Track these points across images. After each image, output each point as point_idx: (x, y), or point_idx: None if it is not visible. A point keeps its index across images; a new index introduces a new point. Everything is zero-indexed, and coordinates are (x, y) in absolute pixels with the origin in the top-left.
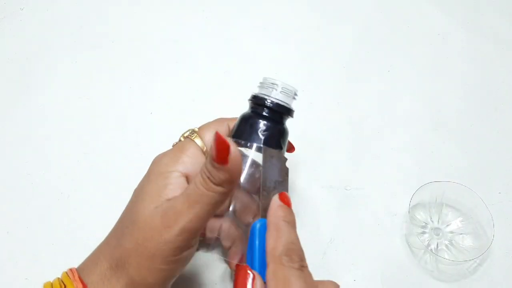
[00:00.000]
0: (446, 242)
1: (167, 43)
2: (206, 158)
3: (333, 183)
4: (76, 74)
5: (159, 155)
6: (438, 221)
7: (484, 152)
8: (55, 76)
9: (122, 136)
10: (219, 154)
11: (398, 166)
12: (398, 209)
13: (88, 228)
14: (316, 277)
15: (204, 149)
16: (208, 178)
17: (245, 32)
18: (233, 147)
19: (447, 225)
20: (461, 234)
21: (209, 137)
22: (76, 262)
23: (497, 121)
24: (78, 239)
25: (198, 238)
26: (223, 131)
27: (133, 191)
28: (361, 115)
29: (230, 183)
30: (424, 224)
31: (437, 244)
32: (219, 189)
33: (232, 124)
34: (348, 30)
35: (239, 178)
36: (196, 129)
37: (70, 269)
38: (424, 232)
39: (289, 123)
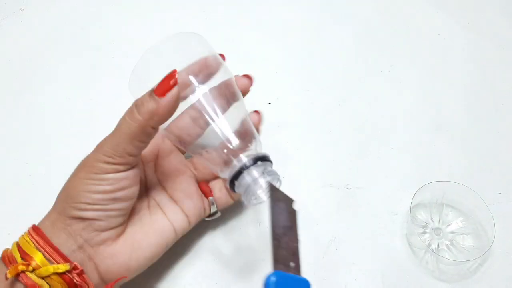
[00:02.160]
0: (447, 242)
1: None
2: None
3: (333, 182)
4: (76, 75)
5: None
6: (439, 221)
7: (484, 152)
8: (56, 76)
9: None
10: (162, 85)
11: (399, 166)
12: (399, 209)
13: None
14: (316, 276)
15: None
16: (136, 106)
17: (245, 33)
18: (176, 88)
19: (448, 225)
20: (462, 234)
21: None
22: None
23: (497, 121)
24: None
25: (134, 169)
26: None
27: None
28: (362, 115)
29: (152, 117)
30: (425, 224)
31: (438, 244)
32: (139, 119)
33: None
34: (348, 30)
35: (165, 118)
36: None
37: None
38: (425, 232)
39: (289, 123)
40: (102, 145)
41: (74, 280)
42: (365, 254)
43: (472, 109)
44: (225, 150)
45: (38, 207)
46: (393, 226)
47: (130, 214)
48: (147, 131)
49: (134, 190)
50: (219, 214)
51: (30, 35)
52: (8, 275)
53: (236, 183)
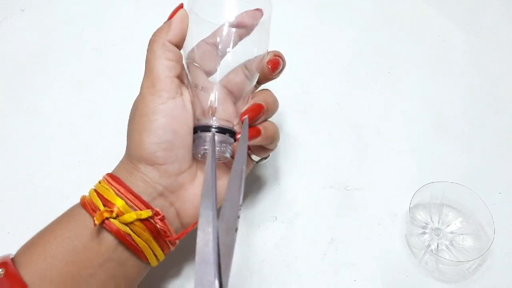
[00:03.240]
0: (447, 243)
1: None
2: None
3: (333, 183)
4: (77, 76)
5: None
6: (439, 222)
7: (484, 153)
8: (56, 77)
9: (123, 137)
10: (172, 12)
11: (399, 167)
12: (399, 210)
13: None
14: (316, 277)
15: None
16: (154, 33)
17: None
18: (183, 10)
19: (448, 226)
20: (462, 234)
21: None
22: None
23: (497, 122)
24: None
25: (177, 97)
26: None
27: None
28: (362, 116)
29: (166, 32)
30: (424, 224)
31: (438, 245)
32: (156, 37)
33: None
34: (348, 31)
35: (178, 33)
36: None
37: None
38: (424, 233)
39: (289, 123)
40: (141, 85)
41: (157, 226)
42: (364, 255)
43: (471, 109)
44: (210, 101)
45: (38, 206)
46: (393, 227)
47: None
48: (167, 47)
49: (189, 120)
50: (267, 159)
51: (30, 35)
52: (96, 222)
53: (198, 134)
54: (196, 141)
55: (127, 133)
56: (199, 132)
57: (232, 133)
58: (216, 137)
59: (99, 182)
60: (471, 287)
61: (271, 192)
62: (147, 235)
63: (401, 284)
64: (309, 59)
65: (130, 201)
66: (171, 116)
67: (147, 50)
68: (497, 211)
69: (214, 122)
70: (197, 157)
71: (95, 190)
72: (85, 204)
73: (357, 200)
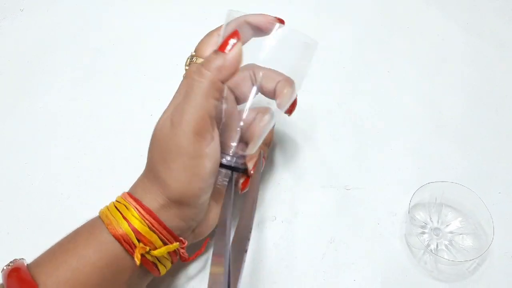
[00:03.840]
0: (446, 242)
1: (168, 46)
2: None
3: (333, 183)
4: (76, 76)
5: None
6: (438, 221)
7: (484, 153)
8: (55, 77)
9: (122, 138)
10: (225, 42)
11: (398, 166)
12: (398, 209)
13: None
14: (316, 277)
15: None
16: (203, 65)
17: None
18: (239, 44)
19: (447, 225)
20: (461, 234)
21: (209, 51)
22: None
23: (497, 122)
24: None
25: (215, 134)
26: (216, 41)
27: None
28: (361, 116)
29: (220, 70)
30: (424, 224)
31: (437, 244)
32: (208, 74)
33: (220, 32)
34: (348, 31)
35: (233, 72)
36: (193, 53)
37: (123, 192)
38: (423, 232)
39: (289, 123)
40: (180, 119)
41: (180, 252)
42: (364, 254)
43: (471, 109)
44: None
45: (38, 207)
46: (392, 227)
47: None
48: (218, 86)
49: (218, 160)
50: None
51: (30, 35)
52: (137, 261)
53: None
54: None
55: (162, 167)
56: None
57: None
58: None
59: (126, 207)
60: (470, 287)
61: (270, 192)
62: (168, 262)
63: (401, 283)
64: None
65: (164, 236)
66: (215, 159)
67: (190, 78)
68: (497, 211)
69: (233, 162)
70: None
71: (126, 219)
72: (119, 238)
73: (357, 199)
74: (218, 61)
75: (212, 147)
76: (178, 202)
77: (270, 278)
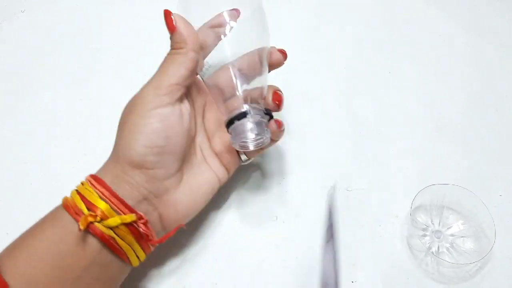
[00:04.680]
0: (447, 245)
1: (168, 47)
2: None
3: (334, 184)
4: (76, 76)
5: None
6: (439, 224)
7: (485, 154)
8: (56, 78)
9: None
10: (167, 24)
11: (399, 168)
12: (399, 211)
13: None
14: (317, 277)
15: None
16: (170, 47)
17: None
18: (175, 16)
19: (448, 228)
20: (462, 237)
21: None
22: None
23: (498, 123)
24: None
25: (177, 104)
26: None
27: None
28: (362, 117)
29: (185, 43)
30: (425, 226)
31: (438, 247)
32: (180, 50)
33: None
34: (349, 31)
35: (192, 38)
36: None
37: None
38: (425, 235)
39: (290, 124)
40: (146, 85)
41: (140, 229)
42: (365, 256)
43: (472, 110)
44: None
45: (37, 207)
46: (393, 229)
47: (183, 162)
48: (189, 56)
49: (184, 129)
50: (252, 159)
51: (31, 36)
52: (81, 227)
53: (234, 124)
54: (233, 133)
55: (118, 131)
56: (235, 122)
57: (265, 113)
58: (251, 121)
59: (82, 184)
60: None
61: (271, 192)
62: (130, 238)
63: (401, 286)
64: (310, 59)
65: (114, 204)
66: (167, 122)
67: (169, 55)
68: (498, 213)
69: (246, 107)
70: (236, 147)
71: (78, 192)
72: (68, 207)
73: (358, 201)
74: (176, 38)
75: (167, 110)
76: (126, 163)
77: (270, 278)
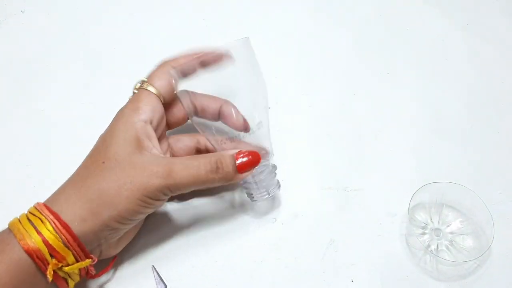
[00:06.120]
0: (446, 243)
1: (168, 50)
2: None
3: (333, 184)
4: (77, 78)
5: (121, 108)
6: (438, 222)
7: (484, 153)
8: (57, 79)
9: None
10: (246, 165)
11: (398, 167)
12: (398, 210)
13: None
14: (316, 278)
15: (159, 94)
16: (218, 168)
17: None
18: (252, 170)
19: (447, 226)
20: (462, 234)
21: (160, 83)
22: None
23: (497, 122)
24: None
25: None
26: (168, 72)
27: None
28: (361, 117)
29: (227, 181)
30: (424, 225)
31: (437, 245)
32: (217, 179)
33: (175, 65)
34: (347, 32)
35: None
36: (145, 79)
37: (38, 203)
38: (424, 233)
39: (288, 127)
40: (169, 175)
41: (89, 270)
42: (364, 255)
43: (471, 109)
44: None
45: None
46: (392, 228)
47: None
48: (211, 184)
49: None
50: None
51: (31, 37)
52: (49, 277)
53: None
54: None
55: (103, 187)
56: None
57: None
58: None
59: (41, 220)
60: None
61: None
62: (77, 276)
63: (401, 284)
64: (308, 60)
65: (77, 254)
66: (156, 209)
67: (208, 164)
68: (498, 211)
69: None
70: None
71: (39, 233)
72: (30, 252)
73: (357, 200)
74: (230, 175)
75: (164, 202)
76: (101, 222)
77: (270, 278)
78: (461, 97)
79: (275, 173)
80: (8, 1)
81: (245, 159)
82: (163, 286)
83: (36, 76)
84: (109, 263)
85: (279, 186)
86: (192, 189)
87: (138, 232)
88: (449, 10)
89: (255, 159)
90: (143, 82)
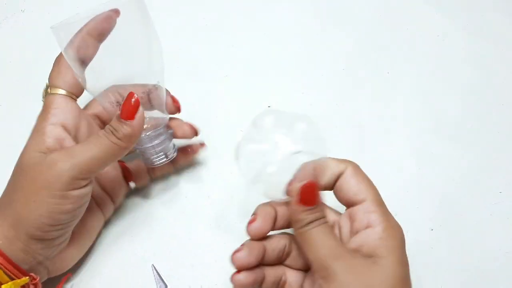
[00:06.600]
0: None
1: (168, 50)
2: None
3: None
4: None
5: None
6: None
7: (484, 152)
8: None
9: None
10: (129, 110)
11: (398, 167)
12: (398, 209)
13: None
14: None
15: (67, 93)
16: (112, 132)
17: (245, 37)
18: (141, 108)
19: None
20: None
21: (64, 80)
22: None
23: (497, 121)
24: None
25: (90, 184)
26: (67, 67)
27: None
28: (361, 117)
29: (131, 139)
30: None
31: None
32: (120, 142)
33: (71, 53)
34: (347, 32)
35: (138, 137)
36: (48, 83)
37: None
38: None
39: None
40: (63, 153)
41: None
42: None
43: (472, 109)
44: None
45: None
46: None
47: None
48: (124, 152)
49: (88, 202)
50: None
51: (31, 36)
52: None
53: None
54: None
55: (16, 191)
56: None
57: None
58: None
59: None
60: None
61: None
62: None
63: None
64: (308, 59)
65: (9, 271)
66: (80, 202)
67: (103, 136)
68: (498, 210)
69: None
70: (150, 166)
71: None
72: None
73: None
74: (127, 130)
75: (83, 192)
76: (26, 235)
77: None
78: (461, 97)
79: (172, 137)
80: (8, 0)
81: (129, 104)
82: (163, 285)
83: (36, 76)
84: (61, 279)
85: (176, 150)
86: (103, 164)
87: (138, 232)
88: (449, 10)
89: (135, 101)
90: (47, 87)
